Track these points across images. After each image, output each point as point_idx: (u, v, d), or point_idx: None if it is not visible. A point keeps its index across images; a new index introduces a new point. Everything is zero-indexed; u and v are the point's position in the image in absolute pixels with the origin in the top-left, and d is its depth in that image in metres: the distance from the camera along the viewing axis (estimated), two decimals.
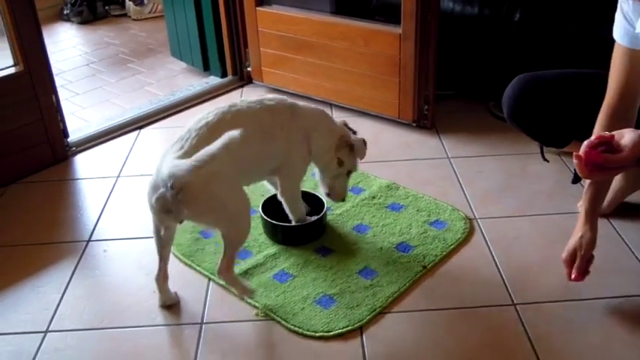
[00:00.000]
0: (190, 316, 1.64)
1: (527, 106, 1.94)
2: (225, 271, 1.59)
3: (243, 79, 3.12)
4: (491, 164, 2.31)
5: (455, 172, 2.27)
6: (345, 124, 1.90)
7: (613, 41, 1.57)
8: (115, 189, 2.26)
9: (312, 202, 1.97)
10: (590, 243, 1.57)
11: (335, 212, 2.03)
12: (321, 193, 1.94)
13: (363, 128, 2.28)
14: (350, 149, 1.84)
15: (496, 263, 1.78)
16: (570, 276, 1.58)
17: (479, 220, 1.98)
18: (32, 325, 1.63)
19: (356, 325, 1.57)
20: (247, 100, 1.73)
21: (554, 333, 1.53)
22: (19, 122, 2.30)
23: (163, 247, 1.62)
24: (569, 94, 1.91)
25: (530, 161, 2.29)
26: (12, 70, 2.27)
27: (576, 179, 1.96)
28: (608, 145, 1.24)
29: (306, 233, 1.90)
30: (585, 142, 1.25)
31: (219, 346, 1.54)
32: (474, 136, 2.51)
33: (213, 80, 3.14)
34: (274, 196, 1.91)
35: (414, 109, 2.56)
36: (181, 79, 3.29)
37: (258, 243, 1.90)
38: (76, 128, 2.67)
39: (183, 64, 3.41)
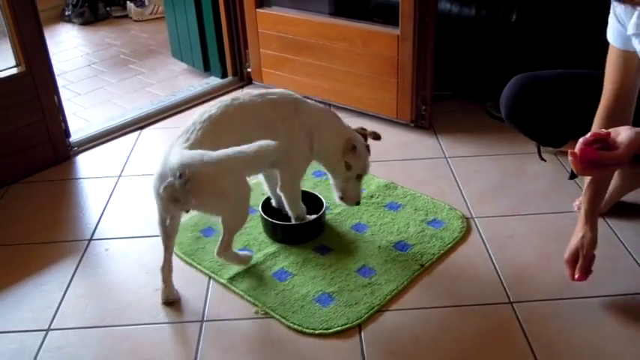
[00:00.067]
0: (191, 313, 1.66)
1: (525, 106, 1.95)
2: (224, 251, 1.67)
3: (244, 80, 3.14)
4: (488, 164, 2.32)
5: (452, 171, 2.28)
6: (362, 129, 1.88)
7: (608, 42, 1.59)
8: (117, 188, 2.27)
9: (312, 201, 1.98)
10: (591, 243, 1.59)
11: (334, 211, 2.04)
12: (325, 195, 1.93)
13: None
14: (355, 152, 1.83)
15: (493, 262, 1.80)
16: (573, 276, 1.59)
17: (476, 219, 1.99)
18: (34, 323, 1.64)
19: (354, 323, 1.59)
20: (250, 94, 1.74)
21: (550, 330, 1.55)
22: (22, 122, 2.31)
23: (168, 237, 1.65)
24: (566, 94, 1.92)
25: (526, 161, 2.30)
26: (14, 71, 2.28)
27: (573, 175, 1.97)
28: (604, 142, 1.22)
29: (305, 232, 1.91)
30: (581, 139, 1.24)
31: (220, 343, 1.55)
32: (471, 136, 2.53)
33: (214, 81, 3.16)
34: None
35: (412, 110, 2.57)
36: (182, 79, 3.30)
37: (258, 242, 1.91)
38: (78, 128, 2.68)
39: (184, 65, 3.42)
